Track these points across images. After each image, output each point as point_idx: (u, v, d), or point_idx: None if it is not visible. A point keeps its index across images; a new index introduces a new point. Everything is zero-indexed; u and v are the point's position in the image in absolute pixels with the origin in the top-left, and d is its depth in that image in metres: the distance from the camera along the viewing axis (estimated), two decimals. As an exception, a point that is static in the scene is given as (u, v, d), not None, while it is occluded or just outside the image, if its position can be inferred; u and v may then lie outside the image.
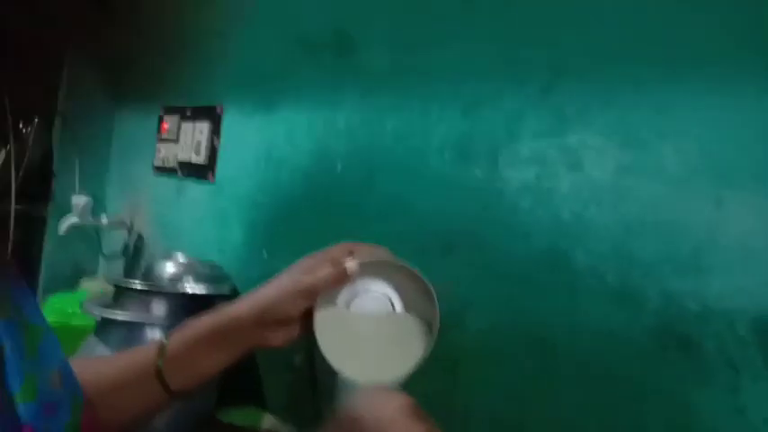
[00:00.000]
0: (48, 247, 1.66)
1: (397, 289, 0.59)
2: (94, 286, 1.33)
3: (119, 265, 1.61)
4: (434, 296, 0.57)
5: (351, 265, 0.56)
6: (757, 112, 0.54)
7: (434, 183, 0.80)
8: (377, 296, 0.58)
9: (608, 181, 0.63)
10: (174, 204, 1.39)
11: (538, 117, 0.69)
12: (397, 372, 0.57)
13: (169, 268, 0.95)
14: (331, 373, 0.93)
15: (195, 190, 1.32)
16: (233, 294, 0.97)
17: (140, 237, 1.51)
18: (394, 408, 0.39)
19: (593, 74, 0.65)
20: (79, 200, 1.50)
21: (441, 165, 0.79)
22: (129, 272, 1.43)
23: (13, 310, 0.37)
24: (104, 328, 0.80)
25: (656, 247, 0.59)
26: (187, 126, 1.33)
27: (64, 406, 0.42)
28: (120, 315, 0.79)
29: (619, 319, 0.60)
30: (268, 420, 0.97)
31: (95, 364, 0.57)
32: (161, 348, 0.54)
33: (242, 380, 1.02)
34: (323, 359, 0.95)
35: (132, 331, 0.78)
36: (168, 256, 0.99)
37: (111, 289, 1.06)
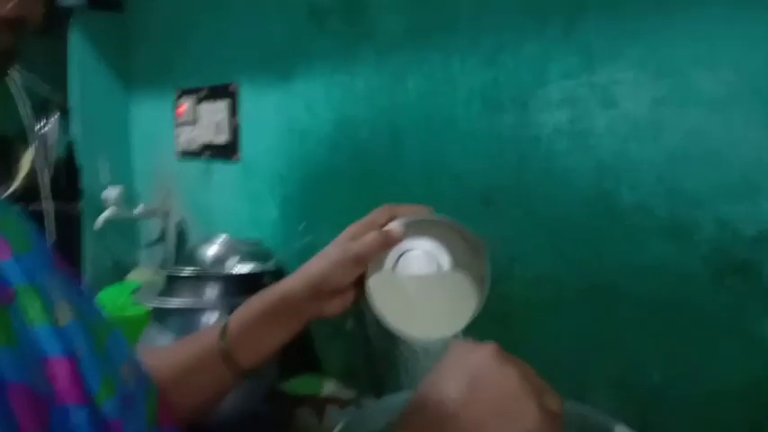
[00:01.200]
0: (86, 244, 1.69)
1: (444, 246, 0.59)
2: (142, 276, 1.36)
3: (158, 254, 1.64)
4: (482, 249, 0.57)
5: (395, 227, 0.56)
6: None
7: (465, 137, 0.79)
8: (424, 255, 0.59)
9: (645, 114, 0.61)
10: (203, 187, 1.40)
11: (564, 57, 0.68)
12: (452, 327, 0.57)
13: (211, 251, 0.97)
14: (385, 336, 0.95)
15: (222, 171, 1.33)
16: (278, 270, 0.98)
17: (176, 223, 1.53)
18: (483, 355, 0.39)
19: (617, 5, 0.63)
20: (111, 192, 1.52)
21: (469, 118, 0.78)
22: (171, 259, 1.46)
23: (76, 312, 0.38)
24: (161, 316, 0.83)
25: (703, 175, 0.58)
26: (204, 107, 1.32)
27: (140, 397, 0.43)
28: (174, 303, 0.81)
29: (673, 252, 0.60)
30: (328, 387, 1.00)
31: (161, 353, 0.59)
32: (223, 330, 0.56)
33: (299, 351, 1.05)
34: (376, 323, 0.97)
35: (188, 317, 0.80)
36: (208, 239, 1.00)
37: (160, 278, 1.08)
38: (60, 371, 0.35)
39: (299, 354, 1.05)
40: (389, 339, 0.95)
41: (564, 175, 0.68)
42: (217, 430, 0.80)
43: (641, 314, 0.63)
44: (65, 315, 0.37)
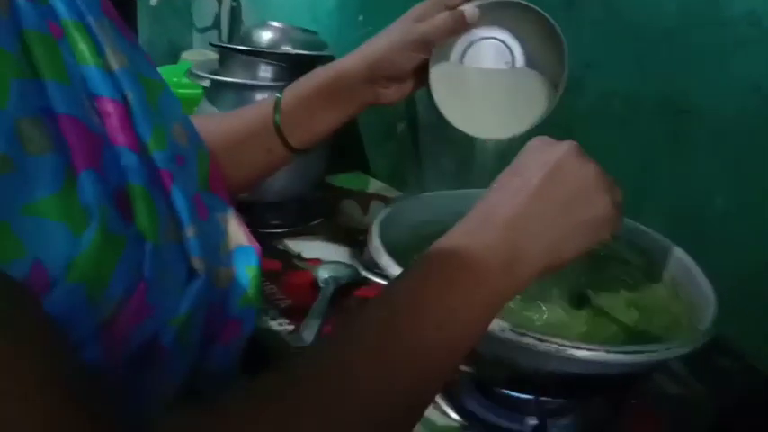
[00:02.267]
0: (142, 22, 1.66)
1: (519, 38, 0.54)
2: (195, 56, 1.34)
3: (212, 38, 1.61)
4: (562, 46, 0.51)
5: (469, 9, 0.51)
6: None
7: None
8: (496, 44, 0.53)
9: None
10: (260, -31, 1.31)
11: None
12: (515, 128, 0.54)
13: (265, 36, 0.92)
14: (437, 141, 0.93)
15: (281, -50, 1.23)
16: (333, 59, 0.94)
17: (231, 8, 1.46)
18: (565, 149, 0.39)
19: None
20: (165, -32, 1.45)
21: None
22: (225, 42, 1.42)
23: (129, 61, 0.36)
24: (214, 94, 0.81)
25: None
26: None
27: (191, 158, 0.43)
28: (228, 78, 0.79)
29: (773, 71, 0.53)
30: (374, 185, 1.02)
31: (215, 120, 0.58)
32: (276, 103, 0.54)
33: (348, 147, 1.05)
34: (430, 126, 0.94)
35: (241, 94, 0.79)
36: (263, 25, 0.95)
37: (212, 58, 1.06)
38: (111, 112, 0.34)
39: (350, 151, 1.06)
40: (441, 144, 0.93)
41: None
42: (265, 209, 0.83)
43: (716, 136, 0.58)
44: (115, 60, 0.35)
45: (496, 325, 0.38)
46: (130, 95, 0.35)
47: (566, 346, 0.37)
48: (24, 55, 0.29)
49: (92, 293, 0.27)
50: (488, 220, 0.36)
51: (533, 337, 0.37)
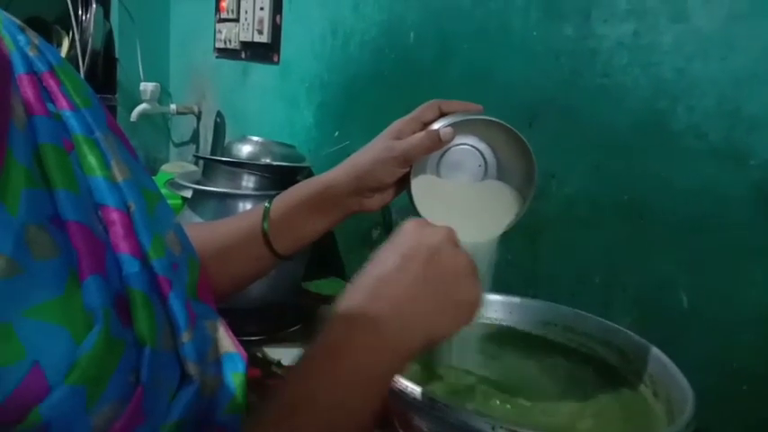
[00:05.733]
0: (120, 136, 1.70)
1: (491, 146, 0.58)
2: (175, 168, 1.38)
3: (189, 152, 1.66)
4: (531, 159, 0.55)
5: (445, 131, 0.55)
6: None
7: (518, 48, 0.76)
8: (470, 150, 0.57)
9: (717, 31, 0.58)
10: (240, 88, 1.39)
11: (636, -35, 0.64)
12: (491, 232, 0.57)
13: (246, 149, 0.96)
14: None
15: (260, 72, 1.31)
16: (312, 171, 0.99)
17: (215, 123, 1.53)
18: (440, 233, 0.42)
19: None
20: (147, 86, 1.52)
21: (525, 26, 0.75)
22: (206, 154, 1.47)
23: (131, 173, 0.38)
24: (196, 202, 0.84)
25: (767, 99, 0.55)
26: (247, 3, 1.29)
27: (183, 266, 0.44)
28: (212, 187, 0.82)
29: (720, 176, 0.58)
30: (350, 290, 1.02)
31: (204, 228, 0.60)
32: (265, 212, 0.56)
33: (325, 254, 1.07)
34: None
35: (224, 202, 0.81)
36: (243, 139, 1.00)
37: (191, 170, 1.09)
38: (115, 220, 0.35)
39: (325, 259, 1.07)
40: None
41: (618, 92, 0.66)
42: (242, 316, 0.83)
43: (676, 235, 0.62)
44: (119, 172, 0.37)
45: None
46: (133, 206, 0.36)
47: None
48: (38, 166, 0.30)
49: (90, 396, 0.27)
50: (372, 300, 0.39)
51: None
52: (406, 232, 0.43)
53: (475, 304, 0.42)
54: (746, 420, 0.58)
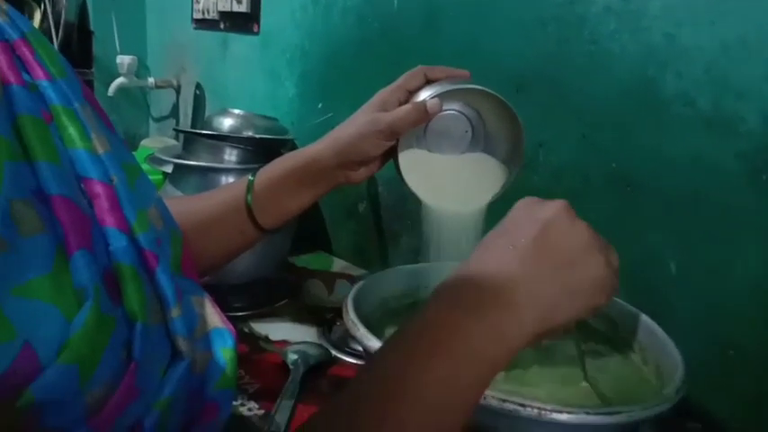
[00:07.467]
0: (98, 111, 1.66)
1: (478, 113, 0.57)
2: (155, 143, 1.35)
3: (169, 126, 1.62)
4: (519, 127, 0.55)
5: (432, 102, 0.54)
6: None
7: (505, 17, 0.75)
8: (456, 115, 0.56)
9: (707, -4, 0.57)
10: (219, 60, 1.36)
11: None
12: (477, 202, 0.57)
13: (228, 122, 0.94)
14: (397, 217, 0.96)
15: (240, 43, 1.28)
16: (295, 145, 0.97)
17: (195, 95, 1.49)
18: (555, 208, 0.39)
19: None
20: (124, 59, 1.48)
21: (512, -7, 0.73)
22: (187, 128, 1.44)
23: (111, 145, 0.37)
24: (178, 176, 0.82)
25: (756, 67, 0.55)
26: (225, -28, 1.25)
27: (166, 241, 0.43)
28: (193, 162, 0.80)
29: (709, 146, 0.58)
30: (337, 264, 1.02)
31: (187, 202, 0.58)
32: (249, 185, 0.55)
33: (311, 228, 1.06)
34: (391, 204, 0.96)
35: (206, 176, 0.79)
36: (224, 112, 0.98)
37: (171, 144, 1.07)
38: (100, 193, 0.34)
39: (311, 233, 1.07)
40: (401, 222, 0.95)
41: (606, 59, 0.65)
42: (229, 292, 0.82)
43: (664, 205, 0.62)
44: (100, 144, 0.36)
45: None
46: (116, 179, 0.35)
47: (547, 410, 0.38)
48: (17, 139, 0.29)
49: (83, 374, 0.27)
50: (475, 287, 0.35)
51: (516, 403, 0.38)
52: (515, 211, 0.40)
53: (601, 283, 0.37)
54: (732, 386, 0.59)
